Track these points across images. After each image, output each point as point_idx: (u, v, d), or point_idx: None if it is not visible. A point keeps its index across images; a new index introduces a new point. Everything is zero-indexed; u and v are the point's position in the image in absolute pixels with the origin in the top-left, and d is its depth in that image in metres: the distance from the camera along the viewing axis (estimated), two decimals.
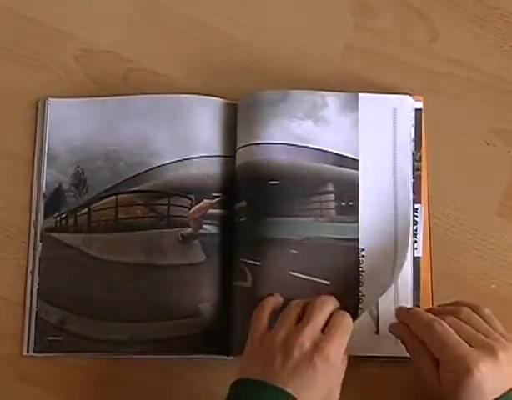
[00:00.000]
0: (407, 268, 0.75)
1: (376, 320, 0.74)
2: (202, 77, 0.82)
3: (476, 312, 0.68)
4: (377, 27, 0.83)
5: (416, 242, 0.76)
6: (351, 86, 0.80)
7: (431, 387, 0.67)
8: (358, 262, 0.75)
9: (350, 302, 0.73)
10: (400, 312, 0.71)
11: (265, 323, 0.69)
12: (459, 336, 0.65)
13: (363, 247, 0.75)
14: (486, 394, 0.63)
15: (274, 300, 0.72)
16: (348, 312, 0.69)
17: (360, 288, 0.74)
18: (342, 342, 0.66)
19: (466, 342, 0.64)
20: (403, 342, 0.70)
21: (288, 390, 0.62)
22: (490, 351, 0.63)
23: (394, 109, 0.78)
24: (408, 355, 0.70)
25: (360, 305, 0.74)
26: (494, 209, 0.78)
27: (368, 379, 0.74)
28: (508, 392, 0.63)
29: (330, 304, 0.69)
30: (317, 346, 0.64)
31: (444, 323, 0.65)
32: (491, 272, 0.77)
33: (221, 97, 0.80)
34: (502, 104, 0.80)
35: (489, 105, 0.80)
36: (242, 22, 0.84)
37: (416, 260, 0.76)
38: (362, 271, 0.75)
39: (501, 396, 0.63)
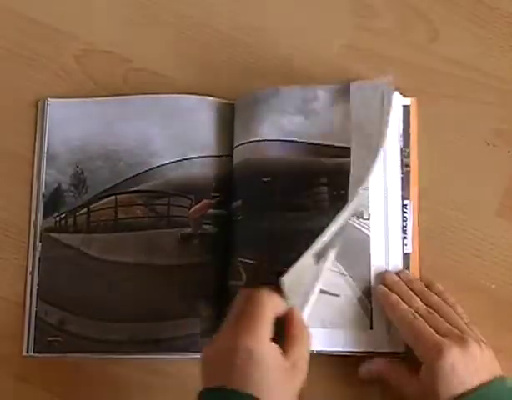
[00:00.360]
0: (397, 264, 0.75)
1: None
2: (201, 77, 0.82)
3: (430, 289, 0.73)
4: (377, 27, 0.83)
5: (406, 238, 0.76)
6: None
7: (412, 390, 0.68)
8: None
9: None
10: (380, 296, 0.73)
11: None
12: (432, 326, 0.67)
13: None
14: (462, 380, 0.64)
15: None
16: None
17: None
18: (255, 325, 0.62)
19: (437, 332, 0.67)
20: (376, 378, 0.72)
21: (234, 387, 0.60)
22: (462, 340, 0.66)
23: (383, 97, 0.77)
24: (401, 350, 0.72)
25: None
26: (494, 209, 0.78)
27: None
28: (487, 383, 0.64)
29: (243, 295, 0.66)
30: (234, 341, 0.61)
31: (415, 313, 0.69)
32: (491, 272, 0.77)
33: (221, 97, 0.80)
34: (502, 104, 0.80)
35: (489, 105, 0.80)
36: (242, 22, 0.84)
37: (406, 256, 0.76)
38: None
39: (480, 386, 0.64)
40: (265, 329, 0.62)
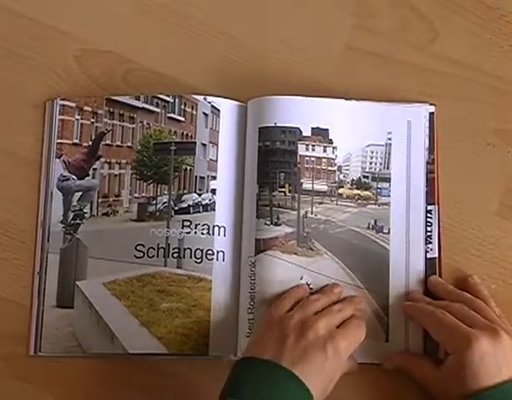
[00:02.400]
0: (419, 270, 0.75)
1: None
2: (202, 77, 0.82)
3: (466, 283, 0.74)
4: (377, 27, 0.83)
5: (431, 243, 0.76)
6: (351, 86, 0.80)
7: (435, 382, 0.69)
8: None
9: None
10: (406, 308, 0.73)
11: (286, 308, 0.71)
12: (463, 321, 0.67)
13: None
14: (491, 372, 0.64)
15: (302, 292, 0.73)
16: None
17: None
18: (354, 340, 0.68)
19: (469, 326, 0.66)
20: (401, 369, 0.73)
21: (296, 373, 0.64)
22: (492, 331, 0.65)
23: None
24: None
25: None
26: (494, 209, 0.78)
27: (376, 386, 0.75)
28: None
29: (352, 305, 0.72)
30: (331, 335, 0.66)
31: (444, 311, 0.69)
32: (491, 272, 0.77)
33: (221, 97, 0.80)
34: (502, 104, 0.80)
35: (489, 105, 0.80)
36: (242, 23, 0.83)
37: (430, 261, 0.76)
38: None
39: (508, 381, 0.64)
40: (354, 348, 0.69)
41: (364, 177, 0.77)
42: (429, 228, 0.76)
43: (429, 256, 0.76)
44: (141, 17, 0.84)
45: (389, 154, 0.77)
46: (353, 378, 0.73)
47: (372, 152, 0.78)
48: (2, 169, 0.81)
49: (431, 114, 0.79)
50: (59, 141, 0.81)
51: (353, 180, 0.78)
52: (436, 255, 0.76)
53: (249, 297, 0.75)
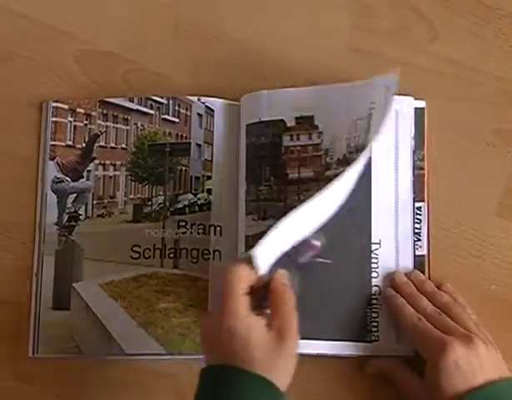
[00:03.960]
0: (408, 267, 0.75)
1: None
2: (202, 77, 0.82)
3: (441, 289, 0.73)
4: (377, 27, 0.83)
5: (420, 240, 0.76)
6: None
7: (416, 390, 0.69)
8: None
9: None
10: (387, 299, 0.73)
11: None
12: (439, 327, 0.67)
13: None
14: (466, 377, 0.64)
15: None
16: None
17: None
18: (229, 302, 0.62)
19: (445, 333, 0.67)
20: (385, 375, 0.73)
21: (233, 363, 0.61)
22: (467, 338, 0.66)
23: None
24: (407, 354, 0.72)
25: None
26: (494, 209, 0.78)
27: (369, 379, 0.75)
28: (494, 382, 0.64)
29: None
30: (217, 320, 0.62)
31: (421, 316, 0.69)
32: (491, 272, 0.76)
33: (221, 97, 0.80)
34: (502, 104, 0.80)
35: (489, 105, 0.80)
36: (242, 23, 0.83)
37: (419, 258, 0.76)
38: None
39: (486, 384, 0.64)
40: (239, 303, 0.61)
41: (350, 152, 0.76)
42: (417, 225, 0.76)
43: (417, 253, 0.76)
44: (141, 17, 0.84)
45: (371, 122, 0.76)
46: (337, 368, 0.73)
47: (356, 126, 0.76)
48: (2, 169, 0.81)
49: (420, 109, 0.78)
50: (52, 143, 0.81)
51: (338, 159, 0.77)
52: (424, 252, 0.76)
53: None
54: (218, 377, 0.61)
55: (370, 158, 0.76)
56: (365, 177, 0.75)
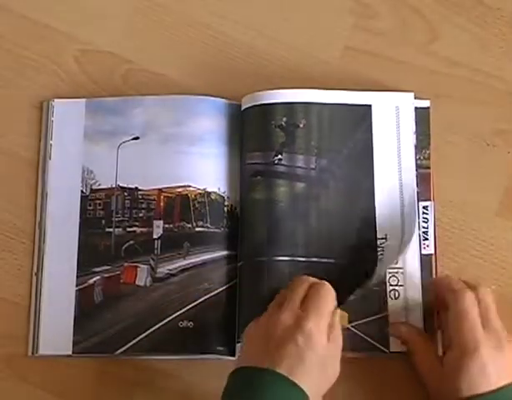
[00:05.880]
0: (414, 267, 0.75)
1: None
2: (202, 77, 0.82)
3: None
4: (376, 27, 0.83)
5: (427, 239, 0.76)
6: (350, 86, 0.80)
7: (433, 375, 0.68)
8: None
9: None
10: (434, 280, 0.73)
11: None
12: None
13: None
14: (490, 380, 0.63)
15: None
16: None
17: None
18: (320, 313, 0.64)
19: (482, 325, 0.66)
20: (403, 342, 0.72)
21: (281, 371, 0.61)
22: (498, 340, 0.65)
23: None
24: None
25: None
26: (494, 209, 0.78)
27: (376, 371, 0.75)
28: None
29: (305, 281, 0.68)
30: (297, 322, 0.63)
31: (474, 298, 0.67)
32: (491, 272, 0.77)
33: (221, 97, 0.80)
34: (502, 104, 0.80)
35: (489, 105, 0.80)
36: (242, 22, 0.84)
37: (426, 258, 0.75)
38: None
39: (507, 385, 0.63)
40: (326, 320, 0.64)
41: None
42: (424, 224, 0.76)
43: (424, 252, 0.76)
44: (141, 17, 0.84)
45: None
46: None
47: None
48: (2, 169, 0.81)
49: (425, 109, 0.78)
50: (52, 142, 0.81)
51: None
52: (432, 252, 0.76)
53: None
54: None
55: (372, 152, 0.77)
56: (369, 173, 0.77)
